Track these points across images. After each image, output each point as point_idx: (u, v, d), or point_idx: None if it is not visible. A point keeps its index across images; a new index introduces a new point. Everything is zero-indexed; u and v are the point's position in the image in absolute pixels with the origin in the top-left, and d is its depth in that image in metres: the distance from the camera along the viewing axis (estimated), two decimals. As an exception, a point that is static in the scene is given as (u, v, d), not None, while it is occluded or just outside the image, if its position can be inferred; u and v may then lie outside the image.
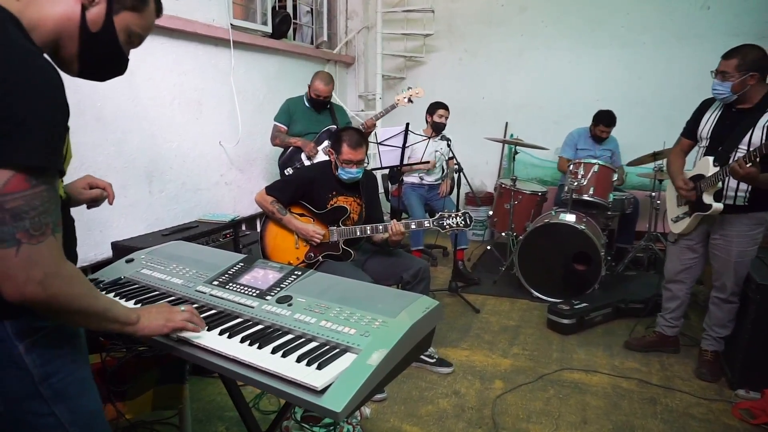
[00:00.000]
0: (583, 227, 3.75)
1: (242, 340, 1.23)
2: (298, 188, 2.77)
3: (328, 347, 1.19)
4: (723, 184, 2.64)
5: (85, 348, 1.16)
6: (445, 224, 2.71)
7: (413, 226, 2.74)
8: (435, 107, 4.57)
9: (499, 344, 3.24)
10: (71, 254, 1.14)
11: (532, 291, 3.98)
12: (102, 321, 1.08)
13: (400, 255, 2.91)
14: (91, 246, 3.03)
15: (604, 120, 4.48)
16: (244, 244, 3.69)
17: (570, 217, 3.87)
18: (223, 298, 1.44)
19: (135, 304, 1.44)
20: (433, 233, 4.56)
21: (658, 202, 4.22)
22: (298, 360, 1.13)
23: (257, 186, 4.45)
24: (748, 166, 2.40)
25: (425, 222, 2.73)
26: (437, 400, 2.59)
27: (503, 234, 4.55)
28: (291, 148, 3.84)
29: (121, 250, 2.90)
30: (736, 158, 2.51)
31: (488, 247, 4.73)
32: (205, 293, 1.47)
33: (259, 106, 4.50)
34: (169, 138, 3.60)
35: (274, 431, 1.75)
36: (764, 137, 2.51)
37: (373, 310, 1.28)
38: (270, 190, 2.77)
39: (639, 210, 4.60)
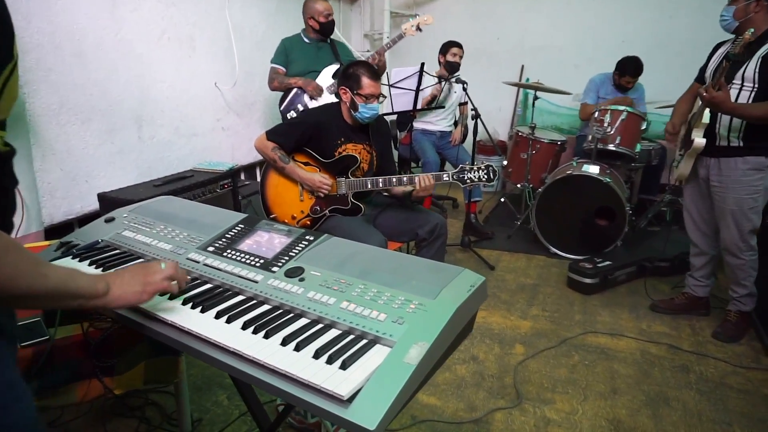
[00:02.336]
0: (608, 180, 3.48)
1: (244, 326, 0.99)
2: (303, 133, 2.48)
3: (352, 337, 0.96)
4: (715, 121, 2.48)
5: (13, 337, 0.91)
6: (465, 178, 2.43)
7: (433, 179, 2.45)
8: (448, 46, 4.20)
9: (517, 304, 3.04)
10: (5, 223, 0.87)
11: (550, 247, 3.75)
12: (58, 299, 0.85)
13: (414, 209, 2.66)
14: (77, 197, 2.77)
15: (630, 70, 4.11)
16: (244, 195, 3.43)
17: (594, 169, 3.59)
18: (220, 269, 1.19)
19: (114, 275, 1.19)
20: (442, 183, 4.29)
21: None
22: (316, 355, 0.90)
23: (256, 132, 4.14)
24: (715, 90, 2.26)
25: (444, 175, 2.46)
26: (454, 367, 2.41)
27: (518, 186, 4.28)
28: (292, 90, 3.50)
29: (109, 202, 2.65)
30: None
31: (502, 200, 4.47)
32: (198, 262, 1.22)
33: (258, 44, 4.12)
34: (159, 78, 3.26)
35: (284, 419, 1.55)
36: (757, 68, 2.34)
37: (406, 289, 1.03)
38: (271, 135, 2.48)
39: (666, 161, 4.32)
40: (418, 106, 3.63)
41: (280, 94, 3.59)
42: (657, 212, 4.12)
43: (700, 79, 2.72)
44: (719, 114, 2.45)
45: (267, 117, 4.35)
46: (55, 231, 2.67)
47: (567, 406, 2.16)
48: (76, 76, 2.70)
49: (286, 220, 2.51)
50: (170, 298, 1.08)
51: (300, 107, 3.46)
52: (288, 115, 3.50)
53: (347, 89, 2.44)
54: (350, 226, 2.43)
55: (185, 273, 1.07)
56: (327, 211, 2.51)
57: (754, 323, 2.72)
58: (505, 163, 4.39)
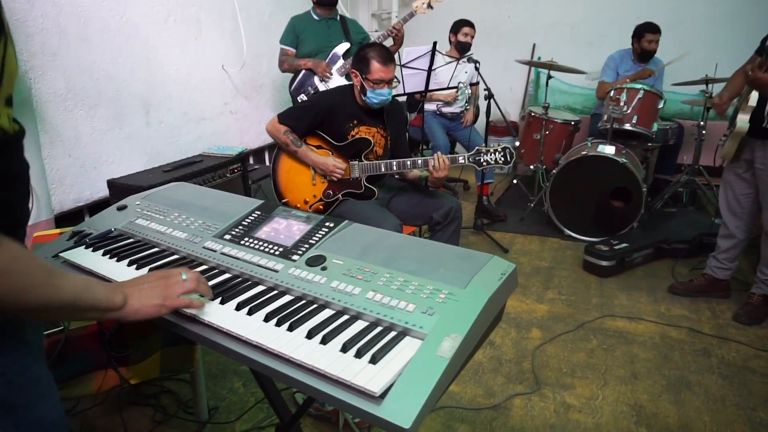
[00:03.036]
0: (625, 160, 3.41)
1: (266, 318, 0.95)
2: (315, 116, 2.42)
3: (380, 329, 0.91)
4: (765, 102, 2.35)
5: (38, 333, 0.88)
6: (482, 160, 2.37)
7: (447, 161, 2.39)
8: (459, 25, 4.11)
9: (533, 288, 3.00)
10: (21, 212, 0.83)
11: (564, 229, 3.70)
12: (73, 312, 0.81)
13: (428, 193, 2.60)
14: (86, 184, 2.73)
15: (649, 26, 3.99)
16: (254, 180, 3.39)
17: (609, 149, 3.51)
18: (238, 258, 1.15)
19: (129, 265, 1.15)
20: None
21: (704, 132, 3.84)
22: (344, 349, 0.86)
23: (265, 115, 4.09)
24: (762, 71, 2.12)
25: (459, 158, 2.40)
26: (471, 352, 2.38)
27: (531, 167, 4.22)
28: (302, 71, 3.42)
29: (118, 188, 2.62)
30: None
31: (514, 181, 4.40)
32: (215, 251, 1.18)
33: (265, 24, 4.04)
34: (166, 61, 3.20)
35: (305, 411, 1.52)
36: None
37: (434, 277, 0.99)
38: (283, 118, 2.42)
39: (683, 141, 4.22)
40: (439, 93, 3.55)
41: (290, 75, 3.52)
42: (673, 193, 4.04)
43: (761, 50, 2.50)
44: None
45: (276, 100, 4.28)
46: (65, 218, 2.64)
47: (587, 392, 2.12)
48: (82, 60, 2.64)
49: (299, 205, 2.47)
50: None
51: (310, 89, 3.39)
52: (298, 97, 3.43)
53: (358, 72, 2.37)
54: (364, 210, 2.38)
55: (209, 288, 1.02)
56: (340, 195, 2.46)
57: (777, 306, 2.67)
58: (517, 143, 4.32)
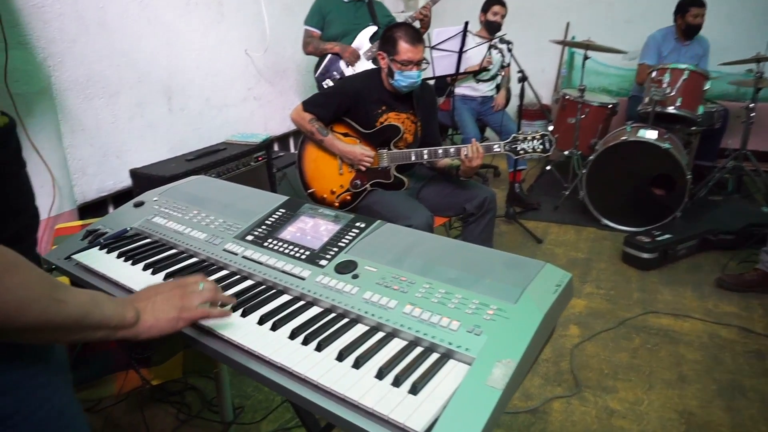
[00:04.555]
0: (668, 146, 3.21)
1: (292, 335, 0.85)
2: (341, 103, 2.30)
3: (420, 351, 0.81)
4: None
5: (62, 355, 0.80)
6: (519, 149, 2.21)
7: (481, 150, 2.24)
8: (489, 3, 3.91)
9: (569, 281, 2.85)
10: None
11: (601, 218, 3.52)
12: (79, 331, 0.71)
13: (461, 182, 2.47)
14: (109, 174, 2.67)
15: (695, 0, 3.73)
16: (278, 168, 3.30)
17: (651, 134, 3.31)
18: (261, 263, 1.05)
19: (144, 269, 1.07)
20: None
21: (753, 114, 3.59)
22: (380, 375, 0.75)
23: (290, 101, 3.98)
24: None
25: (495, 146, 2.25)
26: (506, 350, 2.26)
27: (565, 153, 4.03)
28: (328, 56, 3.29)
29: (141, 178, 2.56)
30: None
31: (547, 167, 4.22)
32: (236, 254, 1.09)
33: (289, 7, 3.90)
34: (188, 46, 3.11)
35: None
36: None
37: (479, 289, 0.87)
38: (308, 105, 2.31)
39: (728, 124, 3.97)
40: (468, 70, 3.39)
41: (315, 59, 3.40)
42: (718, 180, 3.81)
43: None
44: None
45: (300, 85, 4.17)
46: (88, 209, 2.60)
47: (631, 395, 1.99)
48: (101, 46, 2.57)
49: (325, 195, 2.37)
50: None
51: (336, 74, 3.26)
52: (324, 83, 3.31)
53: (384, 54, 2.24)
54: (393, 201, 2.27)
55: (230, 297, 0.93)
56: (368, 185, 2.35)
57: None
58: (551, 128, 4.13)
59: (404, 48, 2.17)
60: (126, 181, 2.72)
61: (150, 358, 1.55)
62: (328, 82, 3.26)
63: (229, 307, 0.92)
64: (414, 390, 0.72)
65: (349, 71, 3.22)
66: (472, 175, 2.31)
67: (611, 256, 3.14)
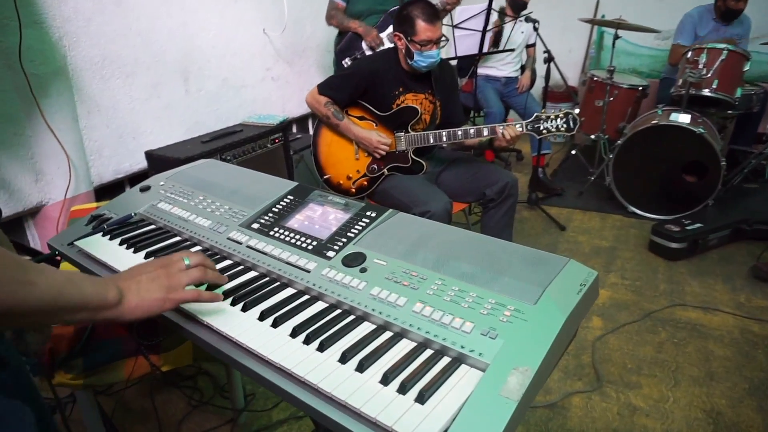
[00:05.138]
0: (702, 130, 3.05)
1: (294, 333, 0.80)
2: (357, 85, 2.23)
3: (430, 354, 0.75)
4: None
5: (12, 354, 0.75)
6: (542, 128, 2.14)
7: (519, 129, 2.14)
8: (516, -20, 3.75)
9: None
10: None
11: (628, 205, 3.39)
12: (55, 313, 0.66)
13: (482, 167, 2.39)
14: (125, 155, 2.65)
15: None
16: (295, 150, 3.25)
17: (684, 118, 3.16)
18: (265, 253, 1.00)
19: (146, 258, 1.03)
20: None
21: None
22: (385, 380, 0.70)
23: (308, 81, 3.91)
24: None
25: (516, 126, 2.16)
26: (525, 341, 2.19)
27: (591, 136, 3.88)
28: (350, 33, 3.19)
29: (156, 160, 2.53)
30: None
31: (572, 152, 4.08)
32: (240, 243, 1.04)
33: (307, -15, 3.81)
34: (205, 26, 3.05)
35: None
36: None
37: (496, 287, 0.81)
38: (323, 88, 2.25)
39: (766, 107, 3.77)
40: (484, 49, 3.27)
41: (334, 39, 3.31)
42: (754, 167, 3.63)
43: None
44: None
45: (319, 65, 4.09)
46: (105, 190, 2.59)
47: (655, 392, 1.91)
48: (117, 26, 2.53)
49: (341, 181, 2.31)
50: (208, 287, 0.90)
51: (357, 54, 3.17)
52: (343, 61, 3.22)
53: (401, 35, 2.15)
54: (411, 186, 2.20)
55: (219, 274, 0.88)
56: (385, 170, 2.29)
57: None
58: (577, 111, 3.98)
59: (422, 27, 2.08)
60: (142, 163, 2.70)
61: (159, 344, 1.53)
62: (348, 61, 3.17)
63: (221, 290, 0.87)
64: (421, 398, 0.66)
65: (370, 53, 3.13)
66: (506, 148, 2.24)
67: (637, 245, 3.02)
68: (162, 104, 2.82)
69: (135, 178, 2.74)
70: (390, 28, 3.13)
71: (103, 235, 1.12)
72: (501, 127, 2.12)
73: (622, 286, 2.60)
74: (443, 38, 2.17)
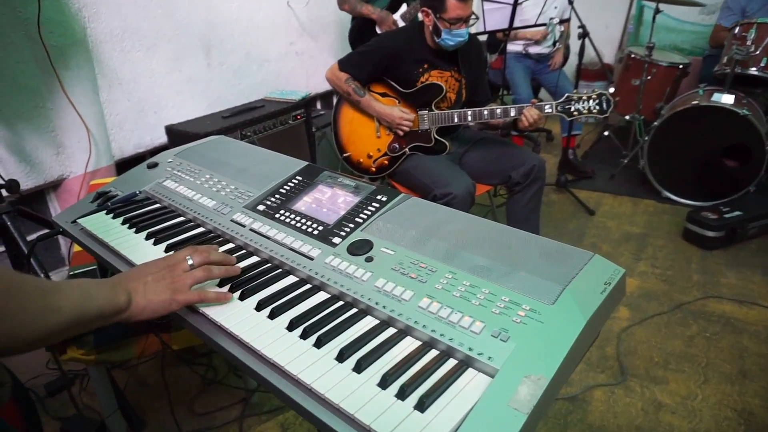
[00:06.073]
0: (746, 112, 2.87)
1: (291, 326, 0.75)
2: (379, 62, 2.14)
3: (434, 355, 0.69)
4: None
5: None
6: (572, 109, 2.04)
7: (548, 109, 2.05)
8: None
9: (621, 258, 2.65)
10: None
11: (662, 190, 3.24)
12: (76, 329, 0.69)
13: (508, 147, 2.29)
14: (146, 129, 2.64)
15: None
16: (318, 127, 3.19)
17: (728, 99, 2.97)
18: (269, 238, 0.95)
19: (147, 239, 0.99)
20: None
21: None
22: (384, 383, 0.64)
23: (333, 56, 3.82)
24: None
25: (546, 107, 2.06)
26: (546, 330, 2.12)
27: (626, 117, 3.71)
28: (363, 18, 3.07)
29: (176, 135, 2.51)
30: None
31: (605, 133, 3.91)
32: (244, 226, 0.99)
33: (333, -44, 3.70)
34: (228, -3, 2.99)
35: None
36: None
37: (511, 283, 0.74)
38: (344, 64, 2.17)
39: (819, 89, 3.53)
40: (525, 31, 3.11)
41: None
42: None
43: None
44: None
45: (344, 40, 3.97)
46: (126, 165, 2.58)
47: (683, 389, 1.82)
48: (138, -4, 2.49)
49: (361, 160, 2.25)
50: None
51: None
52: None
53: (429, 11, 2.04)
54: (433, 167, 2.12)
55: (223, 268, 0.85)
56: (407, 149, 2.21)
57: None
58: (611, 90, 3.80)
59: (453, 4, 1.97)
60: (163, 138, 2.68)
61: (170, 323, 1.51)
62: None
63: (227, 288, 0.83)
64: (421, 406, 0.60)
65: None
66: (529, 129, 2.14)
67: (670, 232, 2.89)
68: (183, 78, 2.79)
69: (156, 153, 2.71)
70: (404, 7, 3.02)
71: (107, 213, 1.09)
72: (525, 108, 2.02)
73: (652, 275, 2.49)
74: (473, 16, 2.06)
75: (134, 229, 1.02)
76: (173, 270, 0.79)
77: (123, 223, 1.04)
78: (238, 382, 1.85)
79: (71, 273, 1.46)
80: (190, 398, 1.79)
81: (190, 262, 0.80)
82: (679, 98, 3.28)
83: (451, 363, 0.67)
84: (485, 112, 2.08)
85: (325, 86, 3.92)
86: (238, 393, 1.81)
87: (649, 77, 3.49)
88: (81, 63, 2.26)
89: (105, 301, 0.71)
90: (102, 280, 0.76)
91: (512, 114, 2.06)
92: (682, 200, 3.17)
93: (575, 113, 2.04)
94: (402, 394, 0.62)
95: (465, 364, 0.67)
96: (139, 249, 0.96)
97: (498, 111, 2.07)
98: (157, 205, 1.12)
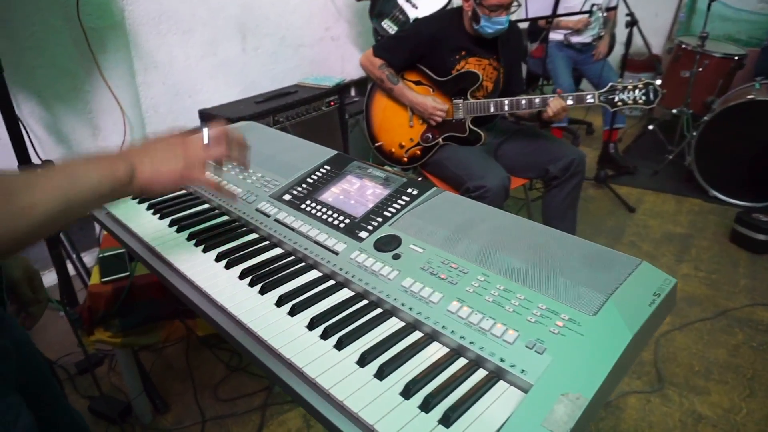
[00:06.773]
0: (806, 108, 2.69)
1: (311, 325, 0.71)
2: (415, 48, 2.08)
3: (463, 364, 0.64)
4: None
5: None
6: (616, 100, 1.93)
7: (570, 102, 1.97)
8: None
9: (663, 258, 2.53)
10: None
11: (709, 189, 3.08)
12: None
13: (547, 140, 2.20)
14: (180, 113, 2.65)
15: None
16: (351, 114, 3.15)
17: (786, 94, 2.79)
18: (294, 229, 0.91)
19: (170, 226, 0.97)
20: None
21: None
22: (406, 392, 0.60)
23: (369, 42, 3.75)
24: None
25: (587, 97, 1.96)
26: (580, 331, 2.04)
27: (673, 111, 3.53)
28: None
29: (209, 119, 2.48)
30: None
31: (649, 127, 3.74)
32: (268, 216, 0.96)
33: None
34: (264, -20, 2.96)
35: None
36: None
37: (549, 290, 0.68)
38: (378, 50, 2.11)
39: None
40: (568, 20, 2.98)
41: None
42: None
43: None
44: None
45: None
46: (160, 148, 2.60)
47: (725, 401, 1.72)
48: (175, -21, 2.48)
49: (393, 149, 2.19)
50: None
51: (398, 14, 2.96)
52: (383, 23, 3.00)
53: None
54: (466, 158, 2.06)
55: (244, 151, 0.82)
56: (440, 140, 2.15)
57: None
58: (659, 81, 3.62)
59: None
60: (197, 121, 2.68)
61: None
62: (388, 23, 2.98)
63: (247, 280, 0.80)
64: (446, 420, 0.56)
65: (409, 8, 2.91)
66: (552, 122, 2.06)
67: (717, 233, 2.74)
68: (218, 62, 2.78)
69: (190, 136, 2.73)
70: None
71: (132, 198, 1.07)
72: (551, 99, 1.92)
73: (695, 279, 2.37)
74: (515, 3, 1.97)
75: (158, 216, 1.00)
76: (187, 144, 0.74)
77: (148, 209, 1.02)
78: (261, 371, 1.83)
79: (100, 255, 1.47)
80: (214, 384, 1.79)
81: (207, 139, 0.76)
82: (733, 92, 3.11)
83: (480, 374, 0.62)
84: (523, 102, 2.00)
85: (360, 73, 3.87)
86: (261, 381, 1.80)
87: (700, 69, 3.31)
88: (118, 46, 2.27)
89: (99, 178, 0.64)
90: (100, 155, 0.68)
91: (536, 103, 1.96)
92: (731, 200, 3.00)
93: (619, 103, 1.93)
94: (426, 406, 0.57)
95: (496, 376, 0.62)
96: (164, 237, 0.93)
97: (537, 101, 1.99)
98: (183, 191, 1.09)
